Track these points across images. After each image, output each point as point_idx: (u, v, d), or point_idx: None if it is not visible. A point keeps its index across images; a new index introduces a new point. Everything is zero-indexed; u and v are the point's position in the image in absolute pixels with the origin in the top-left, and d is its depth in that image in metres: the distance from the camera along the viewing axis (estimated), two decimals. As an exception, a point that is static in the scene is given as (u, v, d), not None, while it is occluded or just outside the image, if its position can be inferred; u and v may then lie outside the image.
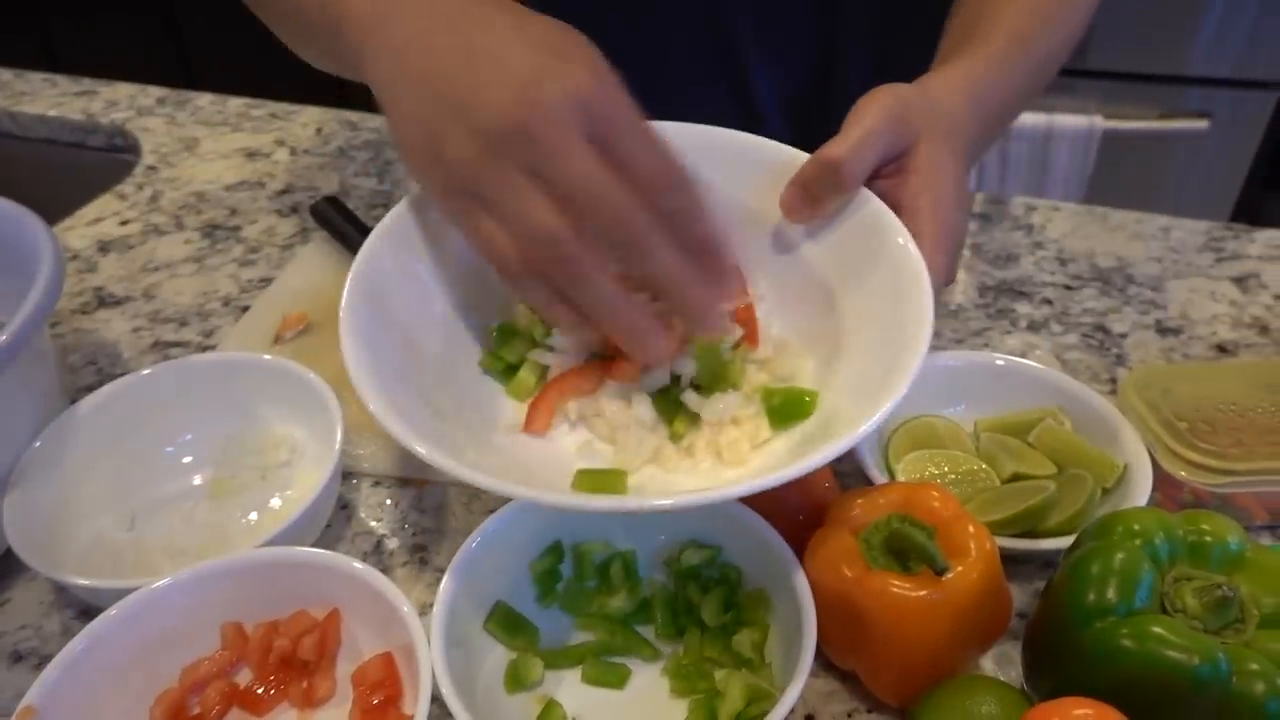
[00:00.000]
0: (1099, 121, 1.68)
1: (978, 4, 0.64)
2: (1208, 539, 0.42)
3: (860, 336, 0.48)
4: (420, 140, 0.43)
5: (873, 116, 0.49)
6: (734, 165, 0.51)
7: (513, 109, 0.39)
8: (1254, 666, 0.37)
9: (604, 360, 0.49)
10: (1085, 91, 1.77)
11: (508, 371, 0.51)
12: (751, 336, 0.50)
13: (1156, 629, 0.38)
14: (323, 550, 0.47)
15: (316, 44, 0.54)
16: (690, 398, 0.48)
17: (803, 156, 0.50)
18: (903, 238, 0.47)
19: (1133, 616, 0.39)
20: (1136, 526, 0.42)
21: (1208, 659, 0.37)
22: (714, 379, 0.48)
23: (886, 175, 0.50)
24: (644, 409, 0.48)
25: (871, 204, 0.49)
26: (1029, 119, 1.68)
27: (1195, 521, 0.42)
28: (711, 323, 0.45)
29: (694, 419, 0.48)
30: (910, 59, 0.65)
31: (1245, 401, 0.57)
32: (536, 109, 0.39)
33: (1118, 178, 1.76)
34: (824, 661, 0.48)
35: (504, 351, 0.51)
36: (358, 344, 0.44)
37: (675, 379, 0.49)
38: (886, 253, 0.47)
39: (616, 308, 0.42)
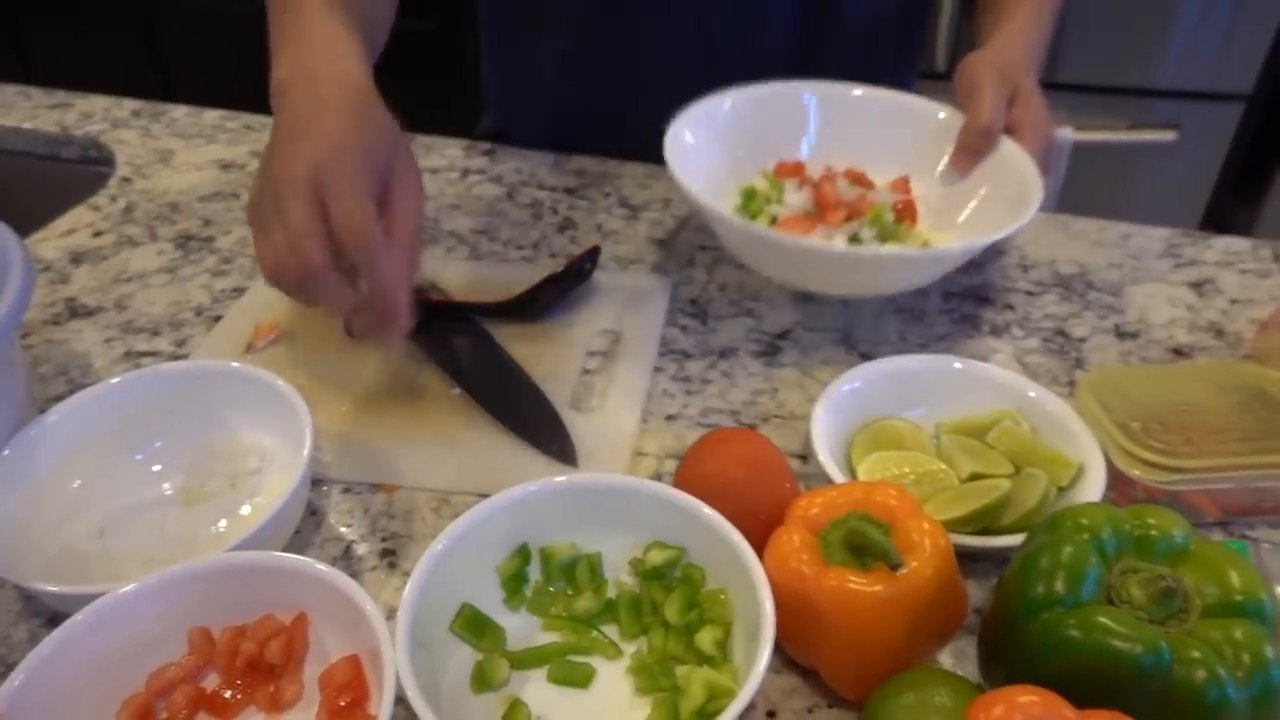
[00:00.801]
0: (1070, 133, 1.71)
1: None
2: (1153, 533, 0.43)
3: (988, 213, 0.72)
4: (258, 187, 0.58)
5: (990, 84, 0.72)
6: (904, 116, 0.79)
7: (280, 170, 0.55)
8: (1195, 654, 0.38)
9: (813, 214, 0.73)
10: (1056, 104, 1.80)
11: (751, 218, 0.74)
12: (911, 218, 0.74)
13: (1102, 619, 0.39)
14: (289, 554, 0.47)
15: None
16: (871, 243, 0.71)
17: (948, 112, 0.77)
18: (1012, 145, 0.72)
19: (1080, 608, 0.40)
20: (1085, 521, 0.43)
21: (1150, 648, 0.38)
22: (888, 235, 0.72)
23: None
24: (840, 244, 0.70)
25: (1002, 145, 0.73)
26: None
27: (1142, 516, 0.44)
28: (363, 334, 0.59)
29: None
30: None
31: (1198, 402, 0.58)
32: (284, 182, 0.54)
33: (1090, 187, 1.79)
34: (785, 658, 0.49)
35: (749, 206, 0.75)
36: None
37: (855, 235, 0.72)
38: (1002, 164, 0.73)
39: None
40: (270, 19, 0.64)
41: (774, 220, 0.73)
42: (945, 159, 0.76)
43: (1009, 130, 0.72)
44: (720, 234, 0.70)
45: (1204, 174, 1.83)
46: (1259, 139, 1.81)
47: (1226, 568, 0.42)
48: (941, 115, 0.77)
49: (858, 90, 0.80)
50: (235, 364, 0.59)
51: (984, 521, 0.52)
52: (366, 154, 0.56)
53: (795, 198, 0.74)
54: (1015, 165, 0.71)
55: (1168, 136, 1.76)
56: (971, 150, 0.73)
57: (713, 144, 0.76)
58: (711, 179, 0.73)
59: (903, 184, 0.77)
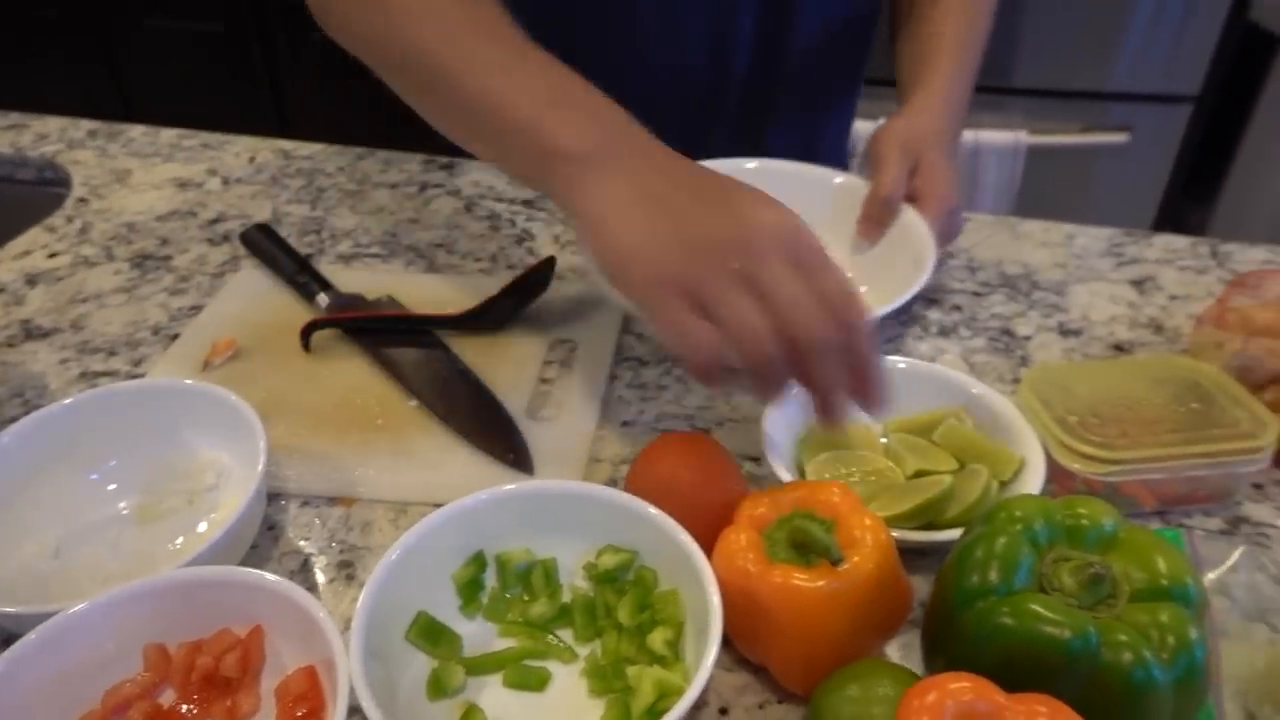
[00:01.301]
0: (1024, 137, 1.74)
1: (920, 29, 0.84)
2: (1084, 522, 0.44)
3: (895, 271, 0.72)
4: (643, 244, 0.51)
5: (894, 157, 0.74)
6: (807, 185, 0.79)
7: (737, 226, 0.49)
8: (1122, 638, 0.40)
9: None
10: (1011, 108, 1.84)
11: None
12: None
13: (1033, 606, 0.41)
14: (243, 568, 0.48)
15: (503, 158, 0.62)
16: None
17: (845, 177, 0.80)
18: (913, 214, 0.73)
19: (1013, 596, 0.42)
20: (1018, 513, 0.44)
21: (1079, 632, 0.40)
22: None
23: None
24: None
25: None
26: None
27: (1073, 506, 0.45)
28: (835, 425, 0.52)
29: None
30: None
31: (1134, 396, 0.60)
32: (757, 228, 0.49)
33: (1045, 190, 1.82)
34: (737, 656, 0.50)
35: None
36: None
37: None
38: (902, 230, 0.74)
39: (780, 389, 0.51)
40: (475, 77, 0.58)
41: None
42: (846, 226, 0.77)
43: (911, 199, 0.74)
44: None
45: (1156, 175, 1.87)
46: (1208, 140, 1.85)
47: (1154, 554, 0.43)
48: (838, 180, 0.80)
49: (751, 164, 0.81)
50: (189, 381, 0.60)
51: (928, 516, 0.54)
52: (801, 223, 0.51)
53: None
54: (913, 234, 0.73)
55: (1119, 139, 1.80)
56: (874, 219, 0.75)
57: None
58: None
59: None
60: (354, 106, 2.13)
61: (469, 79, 0.59)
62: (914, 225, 0.73)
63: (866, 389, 0.51)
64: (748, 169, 0.81)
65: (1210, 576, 0.53)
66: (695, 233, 0.50)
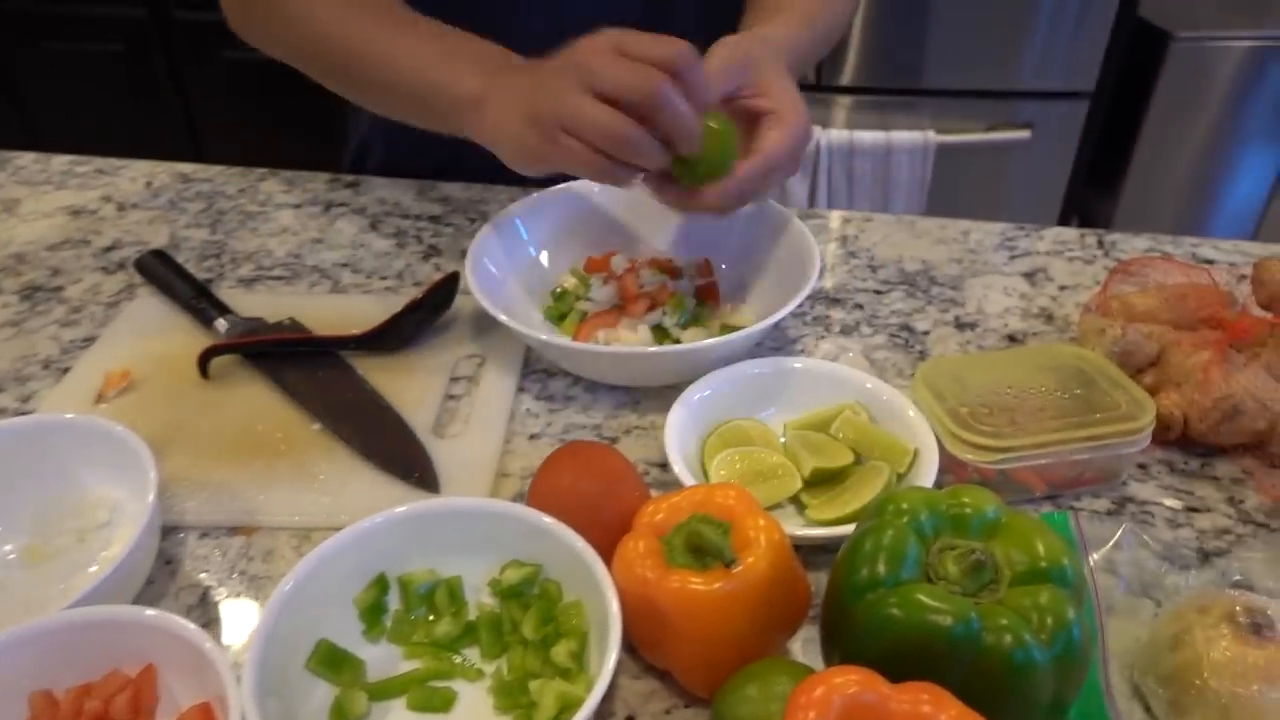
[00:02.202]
0: (932, 136, 1.79)
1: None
2: (967, 510, 0.46)
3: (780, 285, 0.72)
4: (522, 135, 0.63)
5: (718, 63, 0.66)
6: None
7: (567, 63, 0.60)
8: (1003, 622, 0.41)
9: (620, 307, 0.74)
10: (920, 109, 1.89)
11: (560, 317, 0.75)
12: (715, 300, 0.76)
13: (918, 596, 0.42)
14: (126, 606, 0.47)
15: (424, 116, 0.73)
16: (675, 331, 0.72)
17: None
18: (801, 229, 0.73)
19: (900, 587, 0.43)
20: (905, 505, 0.45)
21: (961, 618, 0.41)
22: (690, 321, 0.73)
23: (748, 94, 0.67)
24: (644, 333, 0.72)
25: (783, 216, 0.76)
26: (869, 137, 1.78)
27: (957, 496, 0.46)
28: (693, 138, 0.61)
29: (675, 341, 0.72)
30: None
31: (1021, 384, 0.62)
32: (580, 52, 0.60)
33: (954, 186, 1.88)
34: (645, 664, 0.51)
35: (559, 305, 0.76)
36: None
37: (659, 325, 0.73)
38: (791, 240, 0.74)
39: (657, 156, 0.61)
40: (383, 59, 0.71)
41: (582, 317, 0.74)
42: (737, 238, 0.78)
43: (758, 114, 0.66)
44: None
45: (1059, 169, 1.94)
46: (1107, 134, 1.93)
47: (1033, 538, 0.45)
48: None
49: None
50: (71, 415, 0.58)
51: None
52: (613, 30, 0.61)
53: (601, 293, 0.75)
54: (798, 240, 0.72)
55: (1023, 135, 1.86)
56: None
57: (524, 248, 0.78)
58: (533, 280, 0.77)
59: (705, 266, 0.78)
60: (266, 122, 2.10)
61: (370, 56, 0.72)
62: (798, 232, 0.73)
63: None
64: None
65: (1096, 556, 0.55)
66: (538, 97, 0.61)
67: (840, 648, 0.45)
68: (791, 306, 0.65)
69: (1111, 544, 0.55)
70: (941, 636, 0.41)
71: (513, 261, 0.76)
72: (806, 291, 0.66)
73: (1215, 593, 0.49)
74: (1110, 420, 0.58)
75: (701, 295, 0.75)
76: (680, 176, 0.63)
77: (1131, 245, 0.86)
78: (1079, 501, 0.61)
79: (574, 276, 0.78)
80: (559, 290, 0.77)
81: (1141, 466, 0.63)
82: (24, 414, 0.68)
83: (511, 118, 0.63)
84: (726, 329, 0.71)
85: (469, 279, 0.69)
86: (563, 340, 0.70)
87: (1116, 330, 0.66)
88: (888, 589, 0.43)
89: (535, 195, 0.79)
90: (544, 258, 0.79)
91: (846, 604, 0.44)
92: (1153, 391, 0.63)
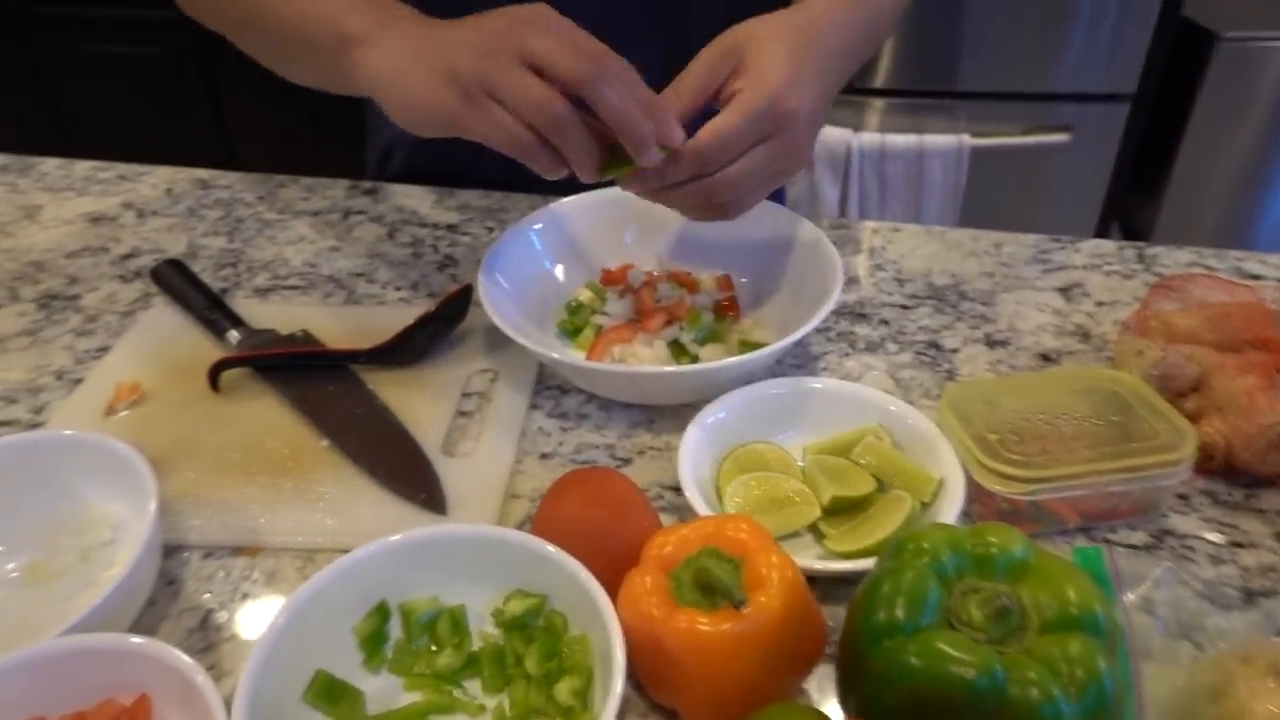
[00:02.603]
0: (967, 139, 1.75)
1: None
2: (993, 550, 0.43)
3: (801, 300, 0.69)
4: (431, 88, 0.57)
5: (697, 62, 0.61)
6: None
7: (493, 26, 0.56)
8: (1030, 674, 0.39)
9: (636, 322, 0.72)
10: (954, 112, 1.85)
11: (575, 331, 0.73)
12: (735, 315, 0.74)
13: (938, 644, 0.39)
14: (119, 635, 0.45)
15: (311, 60, 0.68)
16: (692, 348, 0.70)
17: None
18: (823, 240, 0.71)
19: (919, 633, 0.40)
20: (925, 545, 0.43)
21: (985, 670, 0.38)
22: (708, 337, 0.70)
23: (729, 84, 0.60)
24: (660, 349, 0.69)
25: (805, 229, 0.74)
26: (902, 140, 1.75)
27: (982, 535, 0.44)
28: (646, 149, 0.56)
29: (693, 358, 0.69)
30: None
31: (1054, 410, 0.59)
32: (510, 19, 0.56)
33: (990, 192, 1.83)
34: (650, 702, 0.49)
35: (574, 319, 0.74)
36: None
37: (676, 340, 0.71)
38: (813, 253, 0.71)
39: (588, 145, 0.56)
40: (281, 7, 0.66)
41: (598, 331, 0.72)
42: (758, 250, 0.75)
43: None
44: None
45: (1099, 174, 1.89)
46: (1150, 137, 1.87)
47: (1064, 582, 0.42)
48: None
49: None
50: (72, 432, 0.57)
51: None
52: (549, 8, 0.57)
53: (617, 306, 0.73)
54: (820, 252, 0.70)
55: (1061, 139, 1.81)
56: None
57: (538, 261, 0.76)
58: (548, 293, 0.75)
59: (725, 281, 0.76)
60: (296, 125, 2.11)
61: (279, 4, 0.67)
62: (819, 243, 0.71)
63: (654, 112, 0.55)
64: None
65: (1132, 594, 0.52)
66: (461, 55, 0.55)
67: (857, 693, 0.43)
68: (814, 324, 0.62)
69: (1149, 582, 0.52)
70: (964, 689, 0.38)
71: (526, 274, 0.74)
72: (829, 307, 0.64)
73: (1261, 640, 0.46)
74: (1149, 450, 0.55)
75: (721, 310, 0.73)
76: (608, 170, 0.58)
77: (1173, 259, 0.82)
78: (1114, 534, 0.58)
79: (589, 290, 0.76)
80: (574, 303, 0.75)
81: (1182, 497, 0.60)
82: (36, 425, 0.68)
83: (415, 66, 0.58)
84: (746, 346, 0.69)
85: (480, 294, 0.68)
86: (575, 358, 0.68)
87: (1156, 352, 0.62)
88: (906, 635, 0.40)
89: (550, 207, 0.77)
90: (559, 271, 0.77)
91: (863, 649, 0.42)
92: (1194, 418, 0.60)
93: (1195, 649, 0.50)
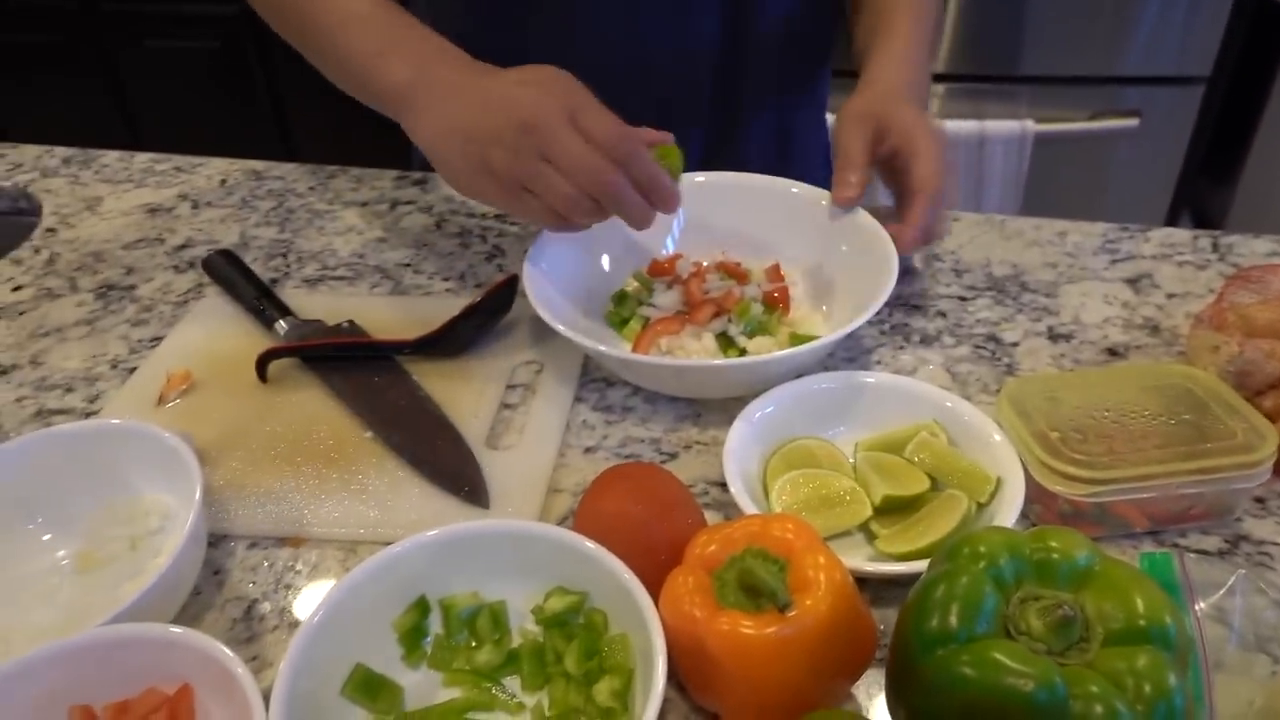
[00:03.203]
0: (1030, 125, 1.69)
1: (872, 6, 0.82)
2: (1055, 556, 0.41)
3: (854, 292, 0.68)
4: (468, 172, 0.63)
5: (853, 131, 0.71)
6: (772, 202, 0.76)
7: (519, 120, 0.60)
8: (1093, 689, 0.36)
9: (684, 313, 0.71)
10: (1017, 97, 1.79)
11: (622, 322, 0.72)
12: (785, 306, 0.71)
13: (995, 655, 0.37)
14: (161, 625, 0.46)
15: (358, 96, 0.72)
16: (740, 340, 0.68)
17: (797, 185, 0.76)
18: (877, 229, 0.69)
19: (974, 642, 0.38)
20: (982, 549, 0.41)
21: (1044, 683, 0.36)
22: (757, 329, 0.69)
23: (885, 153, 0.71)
24: (709, 341, 0.68)
25: (859, 217, 0.71)
26: (963, 126, 1.69)
27: (1043, 539, 0.42)
28: (644, 225, 0.64)
29: (741, 351, 0.68)
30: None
31: (1121, 407, 0.56)
32: (533, 114, 0.60)
33: (1054, 180, 1.77)
34: (693, 704, 0.47)
35: (620, 310, 0.73)
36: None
37: (724, 333, 0.69)
38: (867, 242, 0.69)
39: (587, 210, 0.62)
40: (329, 38, 0.71)
41: (645, 323, 0.71)
42: (808, 234, 0.74)
43: (894, 165, 0.70)
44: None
45: (1170, 160, 1.82)
46: (1223, 121, 1.79)
47: (1132, 590, 0.40)
48: (795, 190, 0.76)
49: (700, 177, 0.76)
50: (119, 420, 0.57)
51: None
52: (571, 80, 0.63)
53: (665, 297, 0.72)
54: (874, 242, 0.68)
55: (1130, 124, 1.74)
56: (841, 194, 0.71)
57: (580, 255, 0.75)
58: (595, 283, 0.75)
59: (775, 271, 0.74)
60: (354, 119, 2.13)
61: (329, 38, 0.71)
62: (869, 227, 0.69)
63: (654, 197, 0.62)
64: (697, 182, 0.77)
65: (1204, 604, 0.49)
66: (495, 153, 0.61)
67: (906, 702, 0.41)
68: (866, 316, 0.60)
69: (1223, 590, 0.49)
70: (1021, 702, 0.36)
71: (572, 264, 0.73)
72: (882, 300, 0.61)
73: (1346, 656, 0.43)
74: (1224, 451, 0.52)
75: (770, 302, 0.71)
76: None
77: (1250, 249, 0.78)
78: (1184, 539, 0.55)
79: (636, 280, 0.75)
80: (620, 294, 0.74)
81: (1259, 501, 0.56)
82: (91, 414, 0.69)
83: (452, 145, 0.63)
84: (796, 339, 0.67)
85: (525, 285, 0.67)
86: (620, 351, 0.67)
87: (1233, 347, 0.59)
88: (960, 644, 0.38)
89: None
90: (605, 261, 0.76)
91: (914, 657, 0.40)
92: (1273, 417, 0.57)
93: (1273, 662, 0.47)
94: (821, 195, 0.72)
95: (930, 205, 0.67)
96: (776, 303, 0.71)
